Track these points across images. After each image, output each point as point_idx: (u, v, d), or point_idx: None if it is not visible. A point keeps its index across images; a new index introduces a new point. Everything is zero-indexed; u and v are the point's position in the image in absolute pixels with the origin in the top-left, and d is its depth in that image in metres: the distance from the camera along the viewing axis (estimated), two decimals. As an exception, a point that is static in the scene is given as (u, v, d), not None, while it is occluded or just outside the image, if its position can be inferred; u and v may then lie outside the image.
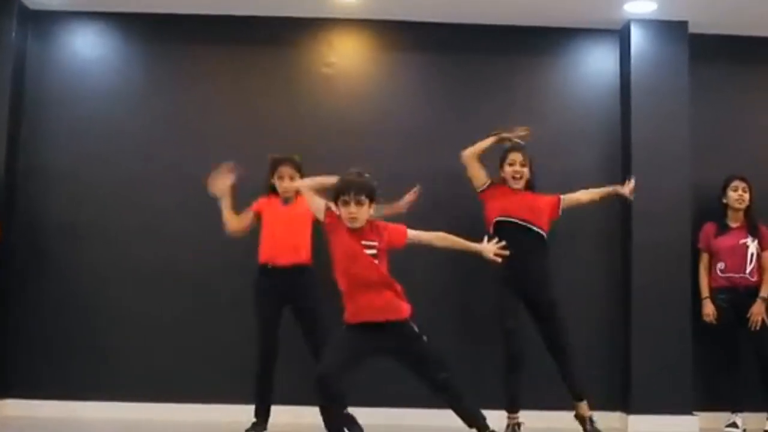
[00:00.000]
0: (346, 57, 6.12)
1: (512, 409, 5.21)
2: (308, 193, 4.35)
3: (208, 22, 6.02)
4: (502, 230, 5.05)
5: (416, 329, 4.13)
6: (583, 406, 5.21)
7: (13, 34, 5.80)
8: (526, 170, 5.32)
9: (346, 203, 4.12)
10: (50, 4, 5.94)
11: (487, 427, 4.13)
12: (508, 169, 5.32)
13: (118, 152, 5.93)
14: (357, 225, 4.14)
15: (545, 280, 5.26)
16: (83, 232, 5.84)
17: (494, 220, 5.27)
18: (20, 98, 5.90)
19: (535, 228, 5.24)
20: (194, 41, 6.06)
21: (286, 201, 5.18)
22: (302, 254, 5.13)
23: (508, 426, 5.19)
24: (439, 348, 4.16)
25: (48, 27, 6.01)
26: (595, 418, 5.20)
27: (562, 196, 5.40)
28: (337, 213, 4.15)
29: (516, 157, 5.32)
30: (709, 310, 5.75)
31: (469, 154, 5.37)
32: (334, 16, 6.04)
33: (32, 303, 5.78)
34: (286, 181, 5.13)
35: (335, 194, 4.16)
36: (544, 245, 5.30)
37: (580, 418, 5.22)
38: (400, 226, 4.27)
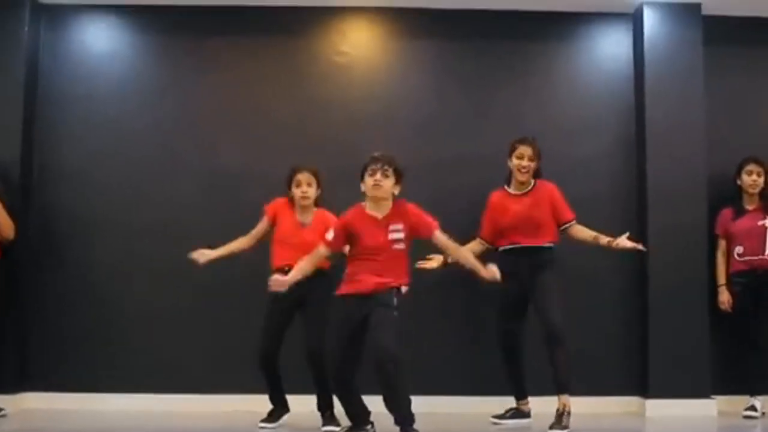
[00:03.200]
0: (358, 46, 6.09)
1: (517, 396, 5.31)
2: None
3: (220, 13, 6.01)
4: (506, 253, 5.15)
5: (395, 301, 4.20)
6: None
7: (26, 29, 5.80)
8: (533, 165, 5.16)
9: (373, 172, 4.17)
10: (62, -2, 5.94)
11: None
12: (515, 161, 5.17)
13: (130, 147, 5.94)
14: (380, 194, 4.17)
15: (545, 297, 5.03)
16: (97, 228, 5.86)
17: (499, 248, 5.21)
18: (33, 95, 5.90)
19: (538, 246, 5.12)
20: (206, 33, 6.05)
21: (304, 222, 5.09)
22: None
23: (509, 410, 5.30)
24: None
25: (60, 21, 6.01)
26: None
27: (572, 224, 5.17)
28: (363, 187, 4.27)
29: (525, 150, 5.15)
30: (724, 298, 5.72)
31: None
32: (345, 5, 6.03)
33: (48, 298, 5.80)
34: (304, 188, 5.08)
35: (363, 170, 4.24)
36: (550, 256, 5.13)
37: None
38: (431, 221, 4.33)
